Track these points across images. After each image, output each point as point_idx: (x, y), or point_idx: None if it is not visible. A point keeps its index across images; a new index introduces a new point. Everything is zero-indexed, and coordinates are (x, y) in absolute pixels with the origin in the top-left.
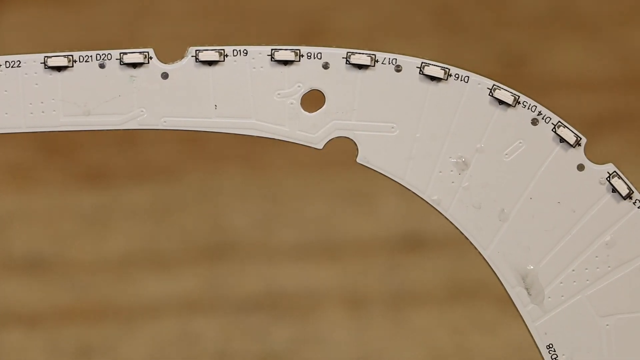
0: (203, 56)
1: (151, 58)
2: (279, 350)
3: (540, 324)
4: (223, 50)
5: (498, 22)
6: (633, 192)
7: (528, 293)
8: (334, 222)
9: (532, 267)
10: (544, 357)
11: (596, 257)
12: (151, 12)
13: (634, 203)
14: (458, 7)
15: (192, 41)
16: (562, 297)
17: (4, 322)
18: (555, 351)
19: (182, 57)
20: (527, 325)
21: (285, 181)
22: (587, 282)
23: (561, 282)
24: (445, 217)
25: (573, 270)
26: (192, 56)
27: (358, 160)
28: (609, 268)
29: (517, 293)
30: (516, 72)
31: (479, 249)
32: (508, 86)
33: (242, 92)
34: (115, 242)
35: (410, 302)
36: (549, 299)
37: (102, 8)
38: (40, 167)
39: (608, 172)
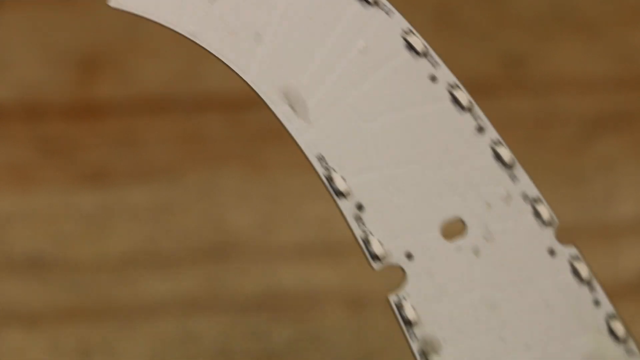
0: None
1: None
2: (279, 350)
3: (309, 137)
4: None
5: (498, 22)
6: None
7: (293, 109)
8: (334, 222)
9: (293, 83)
10: (317, 169)
11: (352, 64)
12: None
13: (381, 8)
14: (458, 7)
15: (193, 42)
16: (326, 108)
17: (4, 322)
18: (327, 162)
19: None
20: (296, 140)
21: (285, 181)
22: (347, 89)
23: (323, 94)
24: (204, 48)
25: (333, 81)
26: None
27: (111, 4)
28: (366, 73)
29: (282, 111)
30: (516, 72)
31: (239, 74)
32: (508, 86)
33: None
34: (116, 242)
35: None
36: (313, 111)
37: (103, 8)
38: (40, 167)
39: None
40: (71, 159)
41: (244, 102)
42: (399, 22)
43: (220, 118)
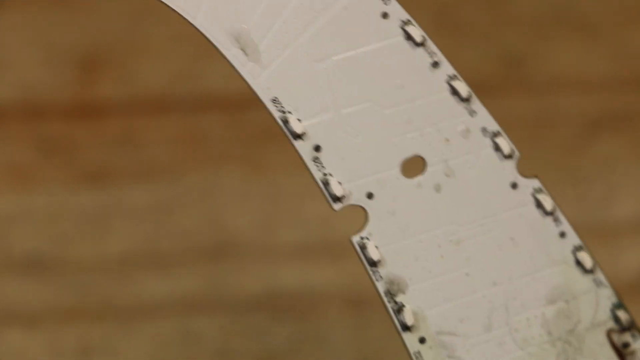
0: None
1: None
2: (279, 350)
3: (262, 80)
4: None
5: (498, 22)
6: None
7: (244, 53)
8: (334, 222)
9: (243, 26)
10: (271, 111)
11: (301, 4)
12: (151, 12)
13: None
14: (458, 7)
15: (193, 41)
16: (277, 50)
17: (4, 322)
18: (281, 104)
19: None
20: (249, 83)
21: (285, 181)
22: (298, 31)
23: (274, 36)
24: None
25: (283, 22)
26: None
27: None
28: (316, 13)
29: (234, 55)
30: (516, 72)
31: (188, 19)
32: (508, 86)
33: None
34: (115, 242)
35: None
36: (265, 54)
37: (103, 8)
38: (40, 167)
39: None
40: (71, 159)
41: (244, 102)
42: None
43: (220, 118)
